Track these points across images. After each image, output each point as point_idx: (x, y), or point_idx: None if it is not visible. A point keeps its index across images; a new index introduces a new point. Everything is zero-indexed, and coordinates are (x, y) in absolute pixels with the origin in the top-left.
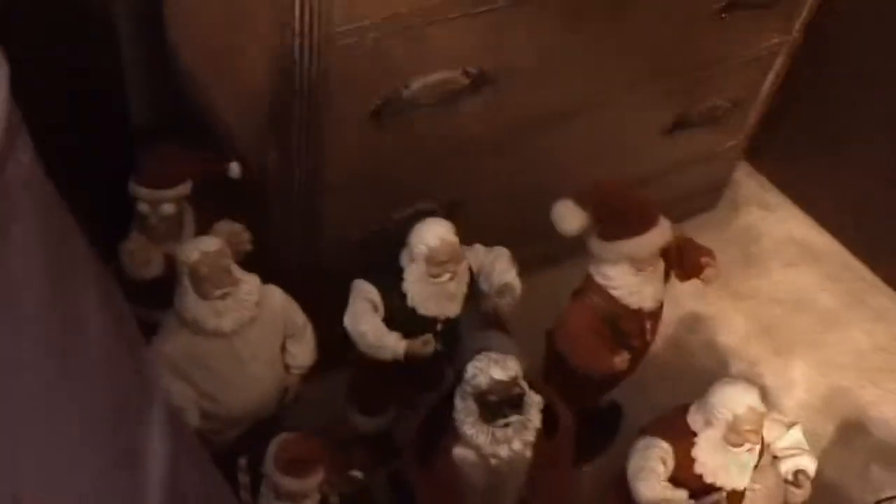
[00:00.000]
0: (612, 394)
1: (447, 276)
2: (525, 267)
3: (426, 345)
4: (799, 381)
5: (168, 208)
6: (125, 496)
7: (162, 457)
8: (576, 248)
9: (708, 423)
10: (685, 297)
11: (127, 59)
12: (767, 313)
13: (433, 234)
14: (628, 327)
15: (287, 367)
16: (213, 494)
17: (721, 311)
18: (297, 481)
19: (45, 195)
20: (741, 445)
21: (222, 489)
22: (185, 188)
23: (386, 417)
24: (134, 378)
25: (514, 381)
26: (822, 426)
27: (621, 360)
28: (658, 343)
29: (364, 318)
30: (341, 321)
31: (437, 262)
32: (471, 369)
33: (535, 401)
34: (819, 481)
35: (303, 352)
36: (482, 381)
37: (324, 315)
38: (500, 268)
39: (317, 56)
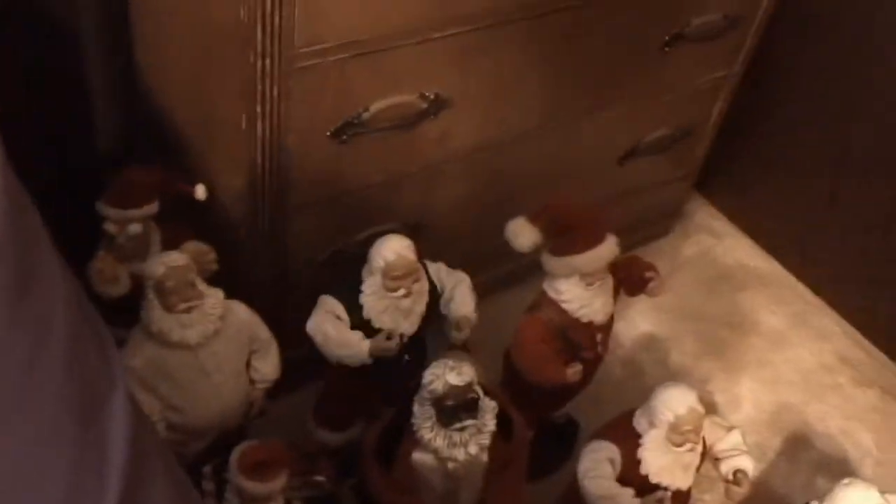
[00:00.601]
0: (568, 410)
1: (402, 291)
2: (487, 288)
3: (389, 341)
4: (747, 398)
5: (135, 228)
6: (90, 489)
7: (123, 440)
8: (536, 268)
9: (651, 425)
10: (639, 318)
11: (93, 80)
12: (717, 334)
13: (390, 248)
14: (580, 339)
15: (252, 382)
16: (178, 480)
17: (673, 332)
18: (260, 485)
19: (13, 194)
20: (683, 445)
21: (183, 476)
22: (151, 208)
23: (351, 432)
24: (101, 369)
25: (469, 387)
26: (769, 440)
27: (574, 371)
28: (613, 362)
29: (329, 324)
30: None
31: (392, 277)
32: (428, 375)
33: (489, 406)
34: (766, 493)
35: (267, 366)
36: (438, 386)
37: (291, 332)
38: (459, 298)
39: (278, 77)
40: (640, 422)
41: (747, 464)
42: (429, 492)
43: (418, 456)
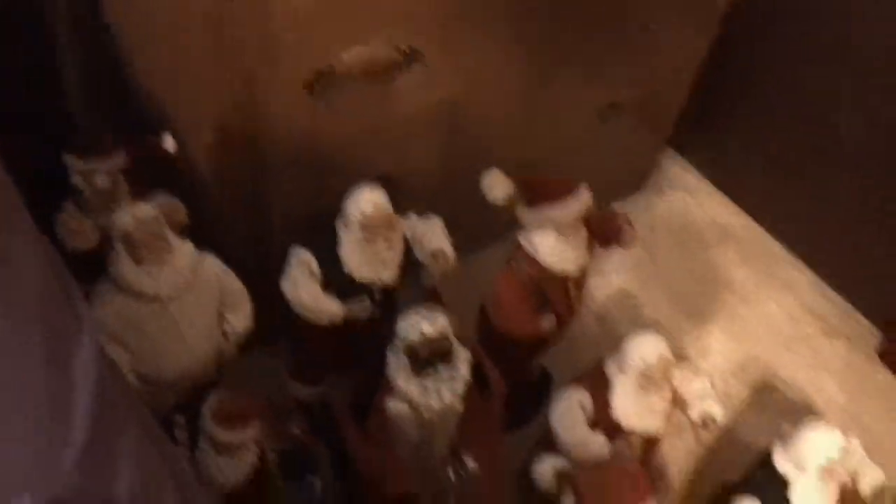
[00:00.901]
0: (543, 364)
1: (381, 242)
2: (464, 246)
3: (363, 307)
4: (716, 349)
5: (102, 180)
6: (56, 432)
7: (91, 388)
8: (513, 227)
9: (622, 372)
10: (613, 274)
11: (63, 41)
12: (689, 289)
13: (367, 200)
14: (553, 292)
15: (224, 335)
16: (150, 430)
17: (646, 287)
18: (232, 433)
19: None
20: (653, 392)
21: (156, 427)
22: (118, 160)
23: (325, 387)
24: (67, 311)
25: (442, 335)
26: (737, 389)
27: (547, 322)
28: (587, 316)
29: (301, 283)
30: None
31: (370, 228)
32: (402, 325)
33: (463, 355)
34: (733, 440)
35: (239, 319)
36: (412, 335)
37: (267, 286)
38: (432, 235)
39: (250, 25)
40: (611, 369)
41: (716, 409)
42: (403, 442)
43: (393, 405)
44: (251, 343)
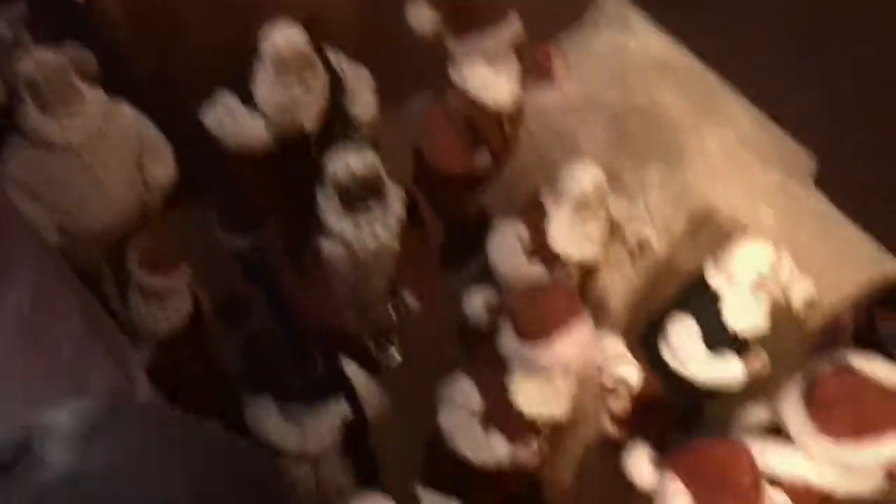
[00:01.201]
0: (480, 203)
1: (296, 84)
2: (395, 91)
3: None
4: (654, 182)
5: (2, 29)
6: None
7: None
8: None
9: (559, 202)
10: (551, 112)
11: None
12: (626, 123)
13: (281, 38)
14: (486, 128)
15: (146, 185)
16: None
17: (584, 123)
18: (160, 278)
19: None
20: (588, 220)
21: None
22: (19, 8)
23: (259, 235)
24: None
25: (372, 171)
26: (674, 220)
27: (481, 159)
28: (525, 154)
29: (223, 112)
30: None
31: (284, 67)
32: (331, 164)
33: (396, 192)
34: (671, 268)
35: (160, 169)
36: (342, 173)
37: (184, 135)
38: (361, 101)
39: None
40: (547, 199)
41: (651, 234)
42: (340, 284)
43: (327, 246)
44: (176, 198)
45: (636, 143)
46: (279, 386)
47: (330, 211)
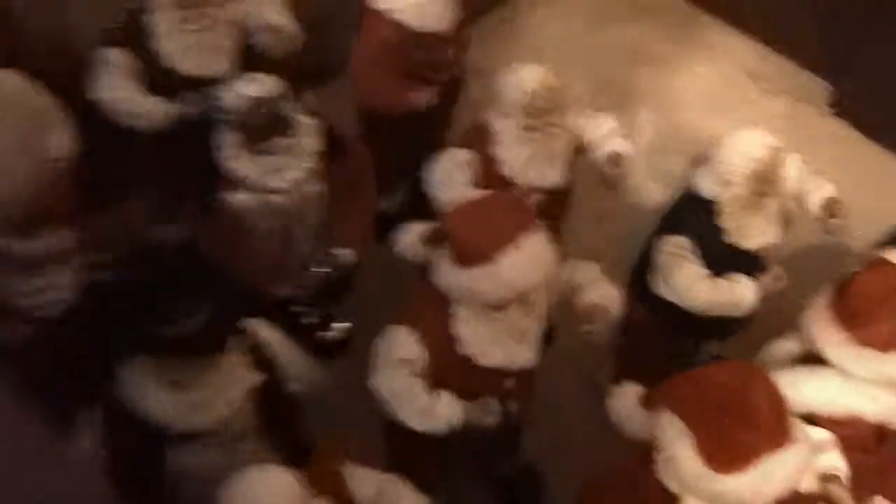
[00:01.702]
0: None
1: (200, 23)
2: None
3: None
4: (644, 126)
5: None
6: None
7: None
8: None
9: (504, 115)
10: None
11: None
12: (606, 68)
13: None
14: (425, 55)
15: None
16: None
17: (560, 73)
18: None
19: None
20: (542, 130)
21: None
22: None
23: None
24: None
25: (274, 99)
26: (671, 162)
27: (424, 94)
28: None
29: (117, 86)
30: None
31: (185, 4)
32: (225, 94)
33: (307, 124)
34: None
35: (56, 140)
36: (236, 101)
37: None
38: (272, 20)
39: None
40: (493, 117)
41: (623, 146)
42: (260, 238)
43: (234, 197)
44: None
45: (618, 87)
46: (149, 337)
47: (231, 154)
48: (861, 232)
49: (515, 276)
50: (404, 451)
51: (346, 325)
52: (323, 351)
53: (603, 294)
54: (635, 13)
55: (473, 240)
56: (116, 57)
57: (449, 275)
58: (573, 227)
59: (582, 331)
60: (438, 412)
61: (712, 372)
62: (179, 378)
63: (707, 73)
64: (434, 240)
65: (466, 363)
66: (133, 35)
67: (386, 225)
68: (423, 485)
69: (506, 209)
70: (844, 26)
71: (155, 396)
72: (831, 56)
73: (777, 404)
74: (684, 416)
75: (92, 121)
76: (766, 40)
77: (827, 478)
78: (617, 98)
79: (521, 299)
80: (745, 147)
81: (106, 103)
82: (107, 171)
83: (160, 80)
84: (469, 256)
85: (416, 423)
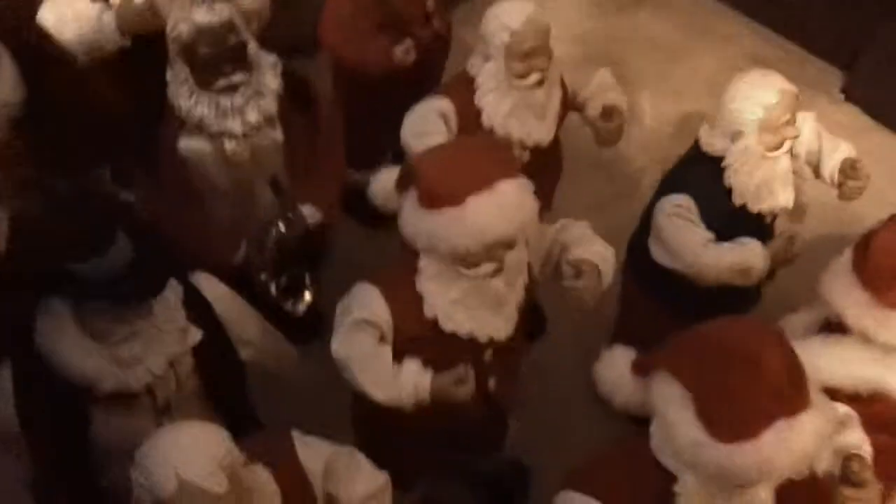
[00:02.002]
0: None
1: None
2: None
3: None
4: (647, 112)
5: None
6: None
7: None
8: None
9: (487, 58)
10: None
11: None
12: (610, 54)
13: None
14: (402, 6)
15: None
16: None
17: (560, 54)
18: None
19: None
20: (528, 76)
21: None
22: None
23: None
24: None
25: (228, 27)
26: (675, 149)
27: (403, 49)
28: None
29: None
30: None
31: None
32: (170, 21)
33: (268, 60)
34: None
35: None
36: (184, 29)
37: None
38: None
39: None
40: (475, 63)
41: (618, 98)
42: (213, 191)
43: (186, 143)
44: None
45: (620, 73)
46: (61, 277)
47: (179, 87)
48: (876, 217)
49: (484, 223)
50: (379, 442)
51: (311, 296)
52: (296, 328)
53: (594, 251)
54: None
55: (441, 179)
56: None
57: (412, 218)
58: (570, 214)
59: (566, 286)
60: (403, 379)
61: (715, 328)
62: (102, 329)
63: (714, 61)
64: (403, 182)
65: (434, 329)
66: None
67: (368, 202)
68: (399, 481)
69: (482, 150)
70: (855, 12)
71: (75, 348)
72: (843, 42)
73: (791, 364)
74: (682, 377)
75: (36, 61)
76: (776, 27)
77: (849, 457)
78: (620, 85)
79: (493, 255)
80: (754, 91)
81: (52, 26)
82: (54, 119)
83: None
84: (435, 197)
85: (378, 390)
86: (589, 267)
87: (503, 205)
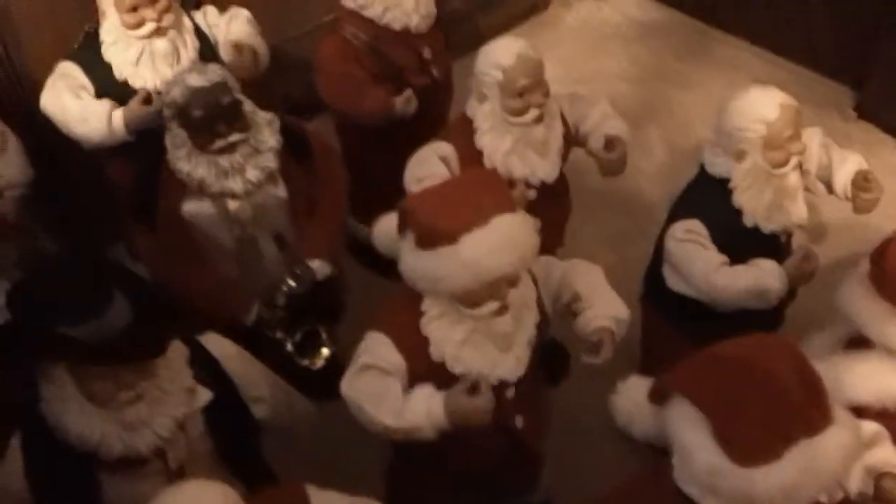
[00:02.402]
0: None
1: (149, 26)
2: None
3: (147, 105)
4: (658, 146)
5: None
6: None
7: None
8: None
9: (482, 99)
10: None
11: None
12: (617, 90)
13: None
14: (397, 56)
15: None
16: None
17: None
18: None
19: None
20: (526, 112)
21: None
22: None
23: None
24: None
25: (221, 88)
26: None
27: (404, 99)
28: None
29: (65, 96)
30: None
31: (132, 7)
32: (166, 88)
33: (264, 118)
34: None
35: (9, 168)
36: (178, 93)
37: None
38: (236, 27)
39: None
40: (471, 105)
41: (619, 128)
42: (218, 251)
43: (189, 207)
44: None
45: (631, 108)
46: (60, 341)
47: (177, 150)
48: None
49: (481, 260)
50: (411, 493)
51: (329, 350)
52: (318, 385)
53: (607, 315)
54: (643, 33)
55: (434, 218)
56: (69, 69)
57: (410, 260)
58: (586, 250)
59: (583, 360)
60: (414, 402)
61: (727, 347)
62: (105, 393)
63: (721, 88)
64: (401, 225)
65: (444, 371)
66: (87, 49)
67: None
68: None
69: (476, 186)
70: (860, 28)
71: (79, 414)
72: (849, 60)
73: (810, 379)
74: (697, 400)
75: (43, 142)
76: (781, 51)
77: (881, 475)
78: (628, 118)
79: (495, 293)
80: (755, 108)
81: (52, 112)
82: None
83: (106, 89)
84: (429, 237)
85: (391, 419)
86: (607, 336)
87: (499, 240)
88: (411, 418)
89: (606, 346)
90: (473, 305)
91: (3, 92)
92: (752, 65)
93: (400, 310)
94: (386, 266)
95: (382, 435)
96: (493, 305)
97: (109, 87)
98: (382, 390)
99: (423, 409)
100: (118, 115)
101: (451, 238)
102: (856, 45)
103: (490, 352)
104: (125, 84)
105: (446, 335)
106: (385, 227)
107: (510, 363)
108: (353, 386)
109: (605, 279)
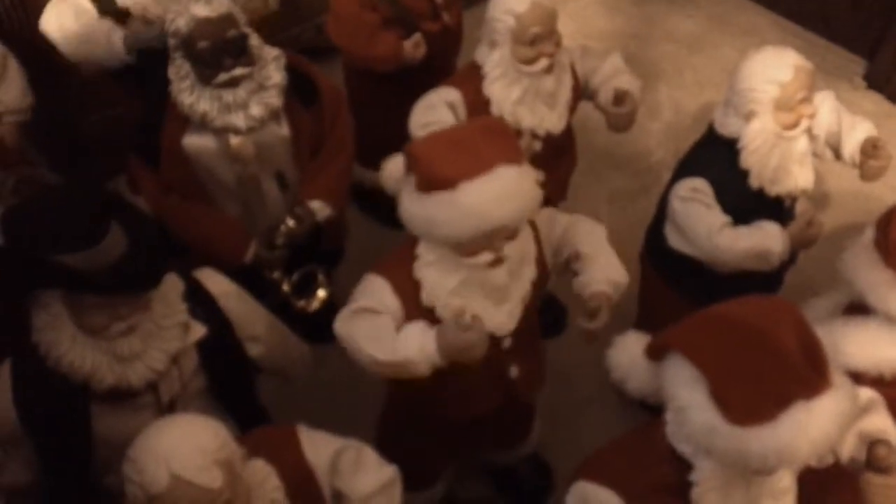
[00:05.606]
0: None
1: None
2: None
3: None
4: (665, 105)
5: None
6: None
7: None
8: None
9: (493, 45)
10: None
11: None
12: (626, 48)
13: None
14: (412, 3)
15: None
16: None
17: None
18: None
19: None
20: (537, 61)
21: None
22: None
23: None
24: None
25: (227, 20)
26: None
27: (413, 43)
28: None
29: (66, 17)
30: None
31: None
32: (169, 19)
33: (270, 53)
34: None
35: (9, 92)
36: (182, 23)
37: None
38: None
39: None
40: (481, 52)
41: (630, 82)
42: (220, 189)
43: (190, 140)
44: None
45: (640, 66)
46: (54, 269)
47: (181, 83)
48: None
49: (479, 208)
50: (402, 439)
51: (326, 293)
52: (312, 328)
53: (607, 280)
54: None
55: (435, 162)
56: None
57: (409, 203)
58: (588, 206)
59: (578, 324)
60: (407, 336)
61: (729, 307)
62: (98, 324)
63: (733, 52)
64: (406, 167)
65: (434, 319)
66: None
67: (384, 201)
68: (422, 479)
69: (482, 133)
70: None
71: (71, 343)
72: (864, 30)
73: (808, 342)
74: (696, 358)
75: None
76: (796, 18)
77: (875, 442)
78: (639, 77)
79: (492, 245)
80: (768, 68)
81: (53, 38)
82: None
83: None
84: (429, 181)
85: (383, 354)
86: (603, 301)
87: (500, 191)
88: (405, 353)
89: (603, 312)
90: (468, 254)
91: (4, 13)
92: (765, 30)
93: (398, 254)
94: (388, 214)
95: (375, 371)
96: (487, 256)
97: (110, 12)
98: (376, 328)
99: (416, 344)
100: (118, 33)
101: (449, 184)
102: (870, 15)
103: (481, 303)
104: (126, 10)
105: (438, 282)
106: (393, 167)
107: (501, 318)
108: (347, 324)
109: (606, 239)
